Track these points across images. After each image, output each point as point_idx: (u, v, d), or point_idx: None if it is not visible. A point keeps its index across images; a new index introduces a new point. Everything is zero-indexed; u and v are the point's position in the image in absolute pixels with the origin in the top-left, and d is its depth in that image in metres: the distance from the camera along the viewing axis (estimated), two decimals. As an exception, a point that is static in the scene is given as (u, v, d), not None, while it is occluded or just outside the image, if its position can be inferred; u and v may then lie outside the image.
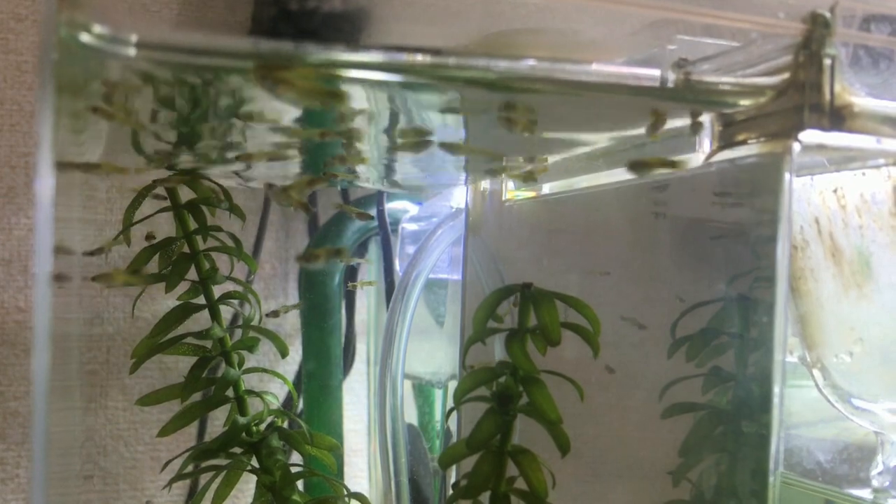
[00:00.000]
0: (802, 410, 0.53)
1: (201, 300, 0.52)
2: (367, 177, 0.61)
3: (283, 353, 0.53)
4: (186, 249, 0.51)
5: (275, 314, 0.63)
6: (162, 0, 0.36)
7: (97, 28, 0.29)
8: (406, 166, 0.55)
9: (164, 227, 0.52)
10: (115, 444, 0.72)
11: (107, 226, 0.52)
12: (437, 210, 0.68)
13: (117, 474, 0.72)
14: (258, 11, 0.36)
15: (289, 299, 0.76)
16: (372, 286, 0.72)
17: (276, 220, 0.76)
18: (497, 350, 0.54)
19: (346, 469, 0.74)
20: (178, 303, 0.51)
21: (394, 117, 0.43)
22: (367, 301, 0.76)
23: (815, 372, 0.48)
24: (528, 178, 0.55)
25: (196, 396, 0.50)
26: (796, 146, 0.36)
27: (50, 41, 0.28)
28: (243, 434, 0.49)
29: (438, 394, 0.72)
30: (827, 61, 0.36)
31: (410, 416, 0.71)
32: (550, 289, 0.43)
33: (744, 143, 0.39)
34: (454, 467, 0.57)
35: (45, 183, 0.28)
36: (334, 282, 0.69)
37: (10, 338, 0.70)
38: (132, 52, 0.30)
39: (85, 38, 0.29)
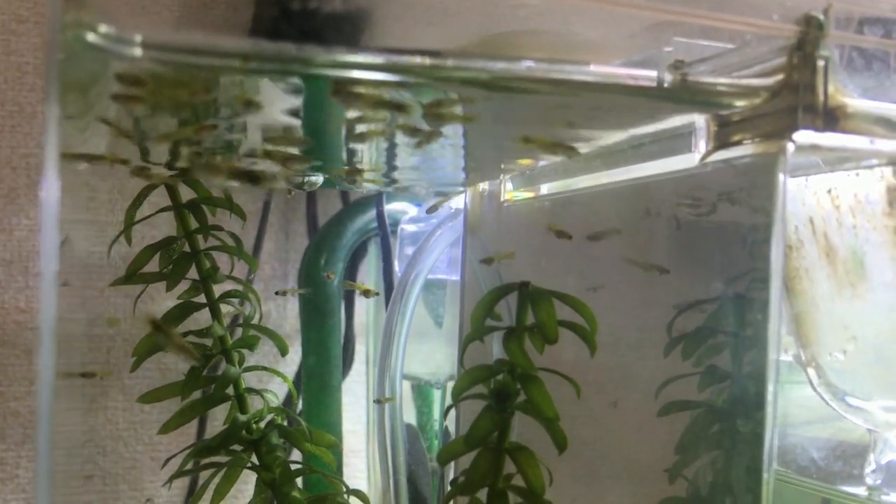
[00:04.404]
0: (795, 409, 0.54)
1: (201, 299, 0.52)
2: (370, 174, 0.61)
3: (283, 352, 0.53)
4: (187, 248, 0.51)
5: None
6: (162, 2, 0.37)
7: (103, 28, 0.29)
8: (407, 162, 0.55)
9: (164, 227, 0.52)
10: (114, 445, 0.72)
11: (108, 227, 0.53)
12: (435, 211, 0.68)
13: (116, 474, 0.73)
14: (259, 12, 0.36)
15: (289, 301, 0.77)
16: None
17: (275, 222, 0.77)
18: (495, 349, 0.54)
19: (344, 470, 0.74)
20: (177, 302, 0.51)
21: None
22: (365, 302, 0.76)
23: (810, 370, 0.49)
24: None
25: (196, 395, 0.51)
26: (790, 146, 0.37)
27: (55, 41, 0.28)
28: (243, 431, 0.50)
29: (437, 394, 0.72)
30: (820, 63, 0.37)
31: (409, 416, 0.71)
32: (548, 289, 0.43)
33: (739, 143, 0.39)
34: (452, 465, 0.57)
35: (51, 182, 0.28)
36: (333, 283, 0.70)
37: (11, 338, 0.70)
38: (138, 52, 0.30)
39: (91, 37, 0.29)
